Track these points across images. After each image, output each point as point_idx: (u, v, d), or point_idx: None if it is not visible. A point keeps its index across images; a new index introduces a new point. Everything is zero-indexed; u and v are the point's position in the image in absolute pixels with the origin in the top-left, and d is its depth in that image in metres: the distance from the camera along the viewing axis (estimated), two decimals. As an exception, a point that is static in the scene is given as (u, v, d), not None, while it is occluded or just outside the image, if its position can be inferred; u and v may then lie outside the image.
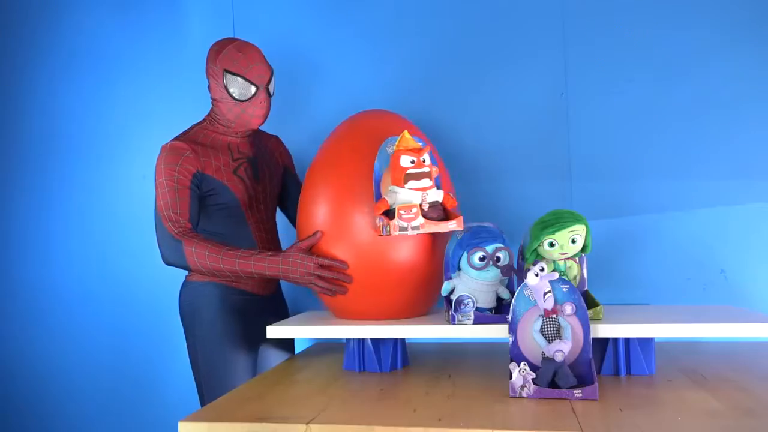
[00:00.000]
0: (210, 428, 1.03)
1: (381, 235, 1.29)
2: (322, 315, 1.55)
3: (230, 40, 1.55)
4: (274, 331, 1.38)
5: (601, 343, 1.28)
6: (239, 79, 1.51)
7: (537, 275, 1.11)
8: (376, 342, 1.39)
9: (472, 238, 1.27)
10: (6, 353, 2.21)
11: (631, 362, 1.26)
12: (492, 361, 1.44)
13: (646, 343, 1.26)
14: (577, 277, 1.27)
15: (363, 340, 1.40)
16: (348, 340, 1.41)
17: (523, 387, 1.09)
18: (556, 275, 1.13)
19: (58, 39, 2.18)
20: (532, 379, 1.09)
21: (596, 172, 1.78)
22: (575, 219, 1.22)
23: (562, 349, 1.09)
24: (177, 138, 1.54)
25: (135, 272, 2.05)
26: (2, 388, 2.22)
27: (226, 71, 1.51)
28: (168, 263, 1.46)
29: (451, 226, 1.25)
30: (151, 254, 1.92)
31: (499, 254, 1.27)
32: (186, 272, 1.66)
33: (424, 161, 1.26)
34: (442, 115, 1.84)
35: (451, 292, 1.29)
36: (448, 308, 1.30)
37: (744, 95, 1.71)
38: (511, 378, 1.10)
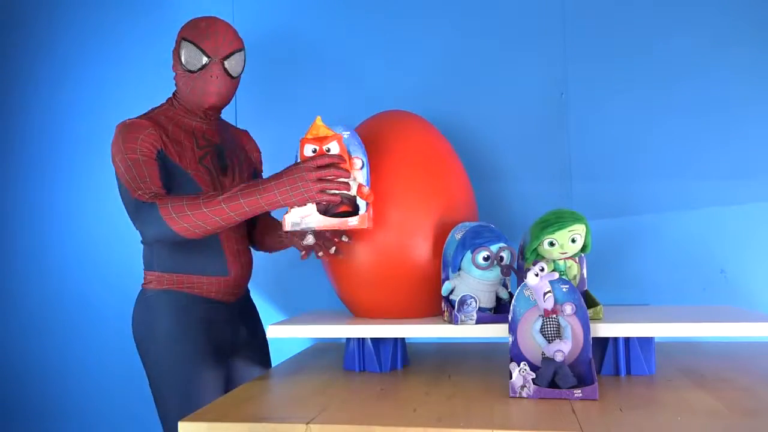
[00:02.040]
0: (210, 428, 1.02)
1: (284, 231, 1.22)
2: (322, 315, 1.55)
3: (196, 18, 1.44)
4: (274, 331, 1.38)
5: (601, 343, 1.28)
6: (192, 46, 1.38)
7: (537, 275, 1.11)
8: (376, 342, 1.39)
9: (476, 238, 1.27)
10: (6, 354, 2.21)
11: (631, 362, 1.26)
12: (492, 361, 1.44)
13: (646, 342, 1.26)
14: (577, 277, 1.27)
15: (363, 339, 1.40)
16: (348, 339, 1.41)
17: (523, 387, 1.09)
18: (556, 275, 1.13)
19: (59, 39, 2.18)
20: (532, 379, 1.09)
21: (596, 172, 1.78)
22: (575, 219, 1.22)
23: (562, 349, 1.09)
24: (139, 117, 1.39)
25: (135, 273, 2.05)
26: (2, 389, 2.22)
27: (183, 38, 1.39)
28: (150, 239, 1.26)
29: (352, 222, 1.16)
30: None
31: (502, 254, 1.26)
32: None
33: (328, 150, 1.18)
34: (442, 114, 1.84)
35: (451, 292, 1.29)
36: (449, 308, 1.30)
37: (744, 95, 1.71)
38: (511, 378, 1.10)
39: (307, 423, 0.99)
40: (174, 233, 1.23)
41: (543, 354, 1.11)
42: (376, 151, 1.36)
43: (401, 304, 1.38)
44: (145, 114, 1.43)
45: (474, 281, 1.27)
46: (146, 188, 1.27)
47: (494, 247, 1.26)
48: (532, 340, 1.13)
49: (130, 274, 2.08)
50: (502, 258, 1.27)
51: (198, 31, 1.38)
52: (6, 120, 2.22)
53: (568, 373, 1.08)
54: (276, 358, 1.73)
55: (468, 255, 1.27)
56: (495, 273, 1.27)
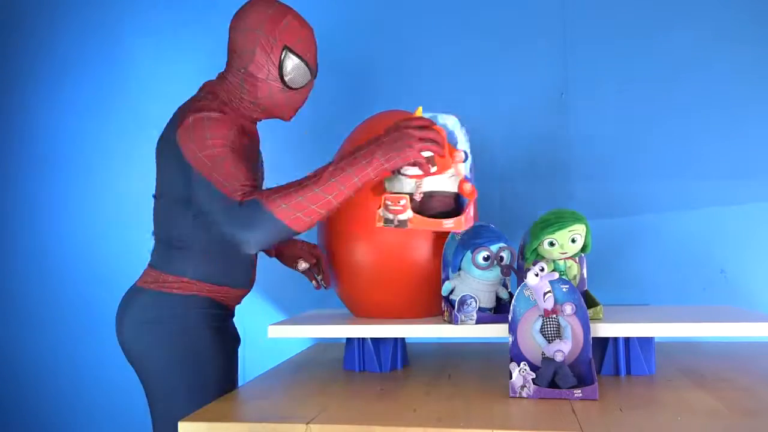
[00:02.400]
0: (210, 428, 1.02)
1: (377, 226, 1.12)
2: (322, 315, 1.55)
3: (284, 7, 1.24)
4: (274, 331, 1.37)
5: (601, 343, 1.28)
6: (300, 62, 1.23)
7: (537, 275, 1.11)
8: (376, 342, 1.39)
9: (475, 238, 1.27)
10: (5, 354, 2.21)
11: (631, 362, 1.26)
12: (492, 361, 1.44)
13: (646, 342, 1.26)
14: (577, 277, 1.27)
15: (363, 339, 1.39)
16: (348, 339, 1.41)
17: (523, 387, 1.09)
18: (556, 275, 1.13)
19: (59, 39, 2.18)
20: (532, 379, 1.09)
21: (596, 172, 1.78)
22: (575, 219, 1.22)
23: (562, 349, 1.09)
24: (210, 108, 1.18)
25: (134, 273, 2.05)
26: (2, 389, 2.22)
27: (287, 49, 1.21)
28: (256, 244, 1.10)
29: (448, 225, 1.07)
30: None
31: (503, 254, 1.26)
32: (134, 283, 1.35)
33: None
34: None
35: (451, 292, 1.29)
36: (448, 308, 1.30)
37: (744, 95, 1.71)
38: (511, 378, 1.10)
39: (307, 423, 0.99)
40: (286, 229, 1.08)
41: (543, 354, 1.11)
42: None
43: (401, 304, 1.38)
44: (210, 102, 1.22)
45: (474, 281, 1.26)
46: (239, 187, 1.11)
47: (494, 247, 1.26)
48: (532, 340, 1.13)
49: (129, 274, 2.07)
50: (502, 258, 1.27)
51: (304, 43, 1.24)
52: (6, 120, 2.22)
53: (568, 373, 1.08)
54: (276, 358, 1.73)
55: (468, 255, 1.27)
56: (495, 273, 1.27)
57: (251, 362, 1.92)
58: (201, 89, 1.30)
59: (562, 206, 1.72)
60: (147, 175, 2.04)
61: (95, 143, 2.13)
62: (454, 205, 1.10)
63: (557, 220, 1.22)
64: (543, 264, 1.12)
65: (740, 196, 1.70)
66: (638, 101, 1.76)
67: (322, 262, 1.50)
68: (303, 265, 1.47)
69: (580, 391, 1.06)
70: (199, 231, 1.24)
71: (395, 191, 1.08)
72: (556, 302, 1.12)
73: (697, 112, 1.73)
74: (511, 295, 1.26)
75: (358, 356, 1.40)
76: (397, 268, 1.34)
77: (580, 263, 1.27)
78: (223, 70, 1.31)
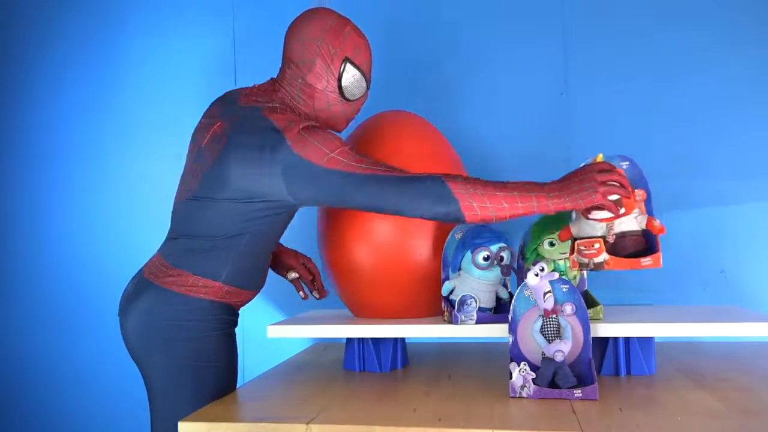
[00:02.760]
0: (210, 428, 1.02)
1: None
2: (322, 315, 1.55)
3: (342, 18, 1.26)
4: (274, 331, 1.38)
5: (601, 343, 1.28)
6: (358, 74, 1.24)
7: (537, 275, 1.11)
8: (376, 342, 1.39)
9: (476, 238, 1.27)
10: (4, 354, 2.21)
11: (631, 362, 1.26)
12: (492, 361, 1.44)
13: (646, 342, 1.26)
14: (577, 277, 1.27)
15: (363, 339, 1.40)
16: (348, 339, 1.41)
17: (523, 387, 1.09)
18: (556, 275, 1.13)
19: (59, 39, 2.17)
20: (532, 379, 1.09)
21: (596, 172, 1.78)
22: (575, 219, 1.22)
23: (562, 349, 1.09)
24: (298, 117, 1.20)
25: (133, 272, 2.05)
26: (2, 389, 2.22)
27: (348, 60, 1.23)
28: (425, 213, 1.11)
29: (646, 263, 1.08)
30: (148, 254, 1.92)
31: (503, 254, 1.27)
32: (143, 275, 1.32)
33: None
34: (442, 114, 1.84)
35: (451, 292, 1.30)
36: (449, 308, 1.30)
37: (744, 96, 1.71)
38: (511, 378, 1.10)
39: (307, 423, 0.99)
40: (457, 211, 1.09)
41: (543, 354, 1.11)
42: (376, 151, 1.36)
43: (401, 304, 1.38)
44: (288, 113, 1.22)
45: (474, 281, 1.27)
46: (394, 168, 1.13)
47: (494, 247, 1.26)
48: (532, 340, 1.13)
49: (129, 274, 2.07)
50: (502, 258, 1.27)
51: (362, 54, 1.25)
52: (6, 120, 2.22)
53: (568, 373, 1.08)
54: (276, 358, 1.73)
55: (468, 255, 1.27)
56: (495, 273, 1.27)
57: (251, 362, 1.92)
58: (265, 95, 1.27)
59: (562, 206, 1.72)
60: (146, 174, 2.06)
61: (95, 143, 2.13)
62: (645, 243, 1.13)
63: (560, 221, 1.23)
64: (543, 264, 1.12)
65: (740, 196, 1.70)
66: (638, 101, 1.76)
67: (318, 279, 1.52)
68: (293, 275, 1.49)
69: (580, 391, 1.06)
70: (246, 234, 1.24)
71: (586, 236, 1.13)
72: (556, 302, 1.12)
73: (697, 111, 1.73)
74: (511, 295, 1.26)
75: (358, 356, 1.40)
76: (396, 268, 1.34)
77: (580, 263, 1.27)
78: (275, 77, 1.31)
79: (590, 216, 1.11)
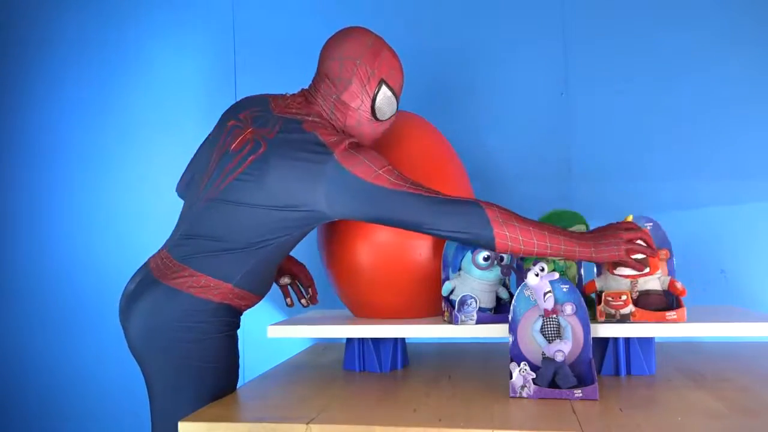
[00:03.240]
0: (210, 428, 1.02)
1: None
2: (322, 315, 1.55)
3: (379, 39, 1.29)
4: (274, 331, 1.38)
5: (601, 343, 1.28)
6: (392, 96, 1.29)
7: (537, 275, 1.11)
8: (376, 342, 1.39)
9: None
10: (5, 354, 2.21)
11: (631, 362, 1.26)
12: (492, 361, 1.44)
13: (646, 343, 1.26)
14: (575, 277, 1.28)
15: (363, 339, 1.40)
16: (348, 339, 1.41)
17: (523, 387, 1.09)
18: (557, 275, 1.13)
19: (59, 39, 2.17)
20: (532, 379, 1.09)
21: (596, 172, 1.78)
22: (577, 219, 1.23)
23: (562, 349, 1.09)
24: (344, 136, 1.23)
25: (133, 271, 2.05)
26: (1, 389, 2.22)
27: (384, 82, 1.27)
28: (456, 233, 1.15)
29: (671, 316, 1.15)
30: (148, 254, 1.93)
31: (502, 254, 1.27)
32: (155, 282, 1.28)
33: None
34: (442, 114, 1.84)
35: (451, 292, 1.30)
36: (449, 308, 1.30)
37: (744, 96, 1.71)
38: (511, 378, 1.10)
39: (307, 423, 0.99)
40: (491, 238, 1.14)
41: (543, 354, 1.11)
42: (377, 149, 1.36)
43: (401, 304, 1.38)
44: (337, 132, 1.26)
45: (474, 281, 1.27)
46: (433, 190, 1.18)
47: None
48: (533, 340, 1.13)
49: (129, 274, 2.07)
50: (502, 258, 1.27)
51: (396, 77, 1.30)
52: (6, 119, 2.22)
53: (569, 373, 1.08)
54: (276, 358, 1.73)
55: (468, 255, 1.28)
56: (495, 273, 1.27)
57: (251, 362, 1.92)
58: (301, 107, 1.29)
59: (562, 206, 1.73)
60: (146, 175, 2.06)
61: (95, 143, 2.13)
62: (666, 302, 1.20)
63: (558, 222, 1.23)
64: (543, 264, 1.12)
65: (740, 196, 1.70)
66: (638, 101, 1.76)
67: (314, 286, 1.52)
68: (285, 280, 1.49)
69: (580, 391, 1.06)
70: (272, 241, 1.25)
71: (610, 290, 1.20)
72: (556, 302, 1.12)
73: (698, 112, 1.73)
74: (511, 295, 1.26)
75: (358, 356, 1.40)
76: (396, 268, 1.34)
77: (578, 263, 1.27)
78: (307, 88, 1.33)
79: (616, 272, 1.19)
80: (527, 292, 1.14)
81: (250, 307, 1.35)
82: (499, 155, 1.83)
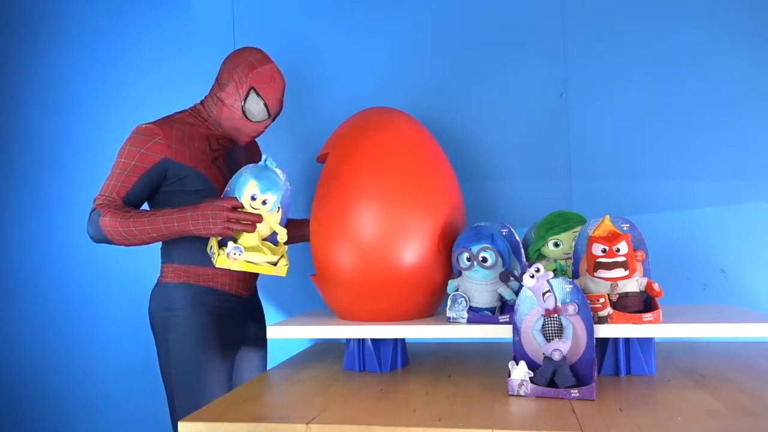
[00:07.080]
0: (210, 428, 1.02)
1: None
2: (322, 315, 1.55)
3: (264, 58, 1.53)
4: (274, 331, 1.38)
5: (602, 343, 1.28)
6: (261, 103, 1.51)
7: (533, 276, 1.11)
8: (376, 342, 1.39)
9: (461, 239, 1.29)
10: (6, 354, 2.21)
11: (631, 362, 1.26)
12: (492, 361, 1.44)
13: (646, 343, 1.26)
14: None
15: (363, 340, 1.40)
16: (348, 340, 1.41)
17: (520, 385, 1.09)
18: (551, 275, 1.13)
19: (59, 39, 2.17)
20: (531, 378, 1.09)
21: (596, 172, 1.78)
22: (579, 220, 1.24)
23: (560, 348, 1.09)
24: (154, 122, 1.50)
25: (134, 272, 2.05)
26: (3, 389, 2.22)
27: (254, 89, 1.50)
28: (93, 239, 1.42)
29: (647, 318, 1.17)
30: (149, 254, 1.92)
31: (484, 254, 1.26)
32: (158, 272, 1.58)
33: (617, 251, 1.18)
34: (442, 114, 1.84)
35: (456, 291, 1.31)
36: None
37: (743, 96, 1.71)
38: (509, 376, 1.10)
39: (307, 423, 0.99)
40: (105, 237, 1.39)
41: (544, 353, 1.11)
42: (362, 141, 1.39)
43: (394, 309, 1.38)
44: (164, 117, 1.54)
45: (467, 280, 1.28)
46: (108, 195, 1.42)
47: (475, 248, 1.27)
48: (533, 340, 1.13)
49: (129, 274, 2.08)
50: (485, 258, 1.27)
51: (268, 89, 1.52)
52: (6, 119, 2.22)
53: (568, 373, 1.09)
54: (276, 358, 1.73)
55: (459, 256, 1.29)
56: (482, 273, 1.27)
57: (251, 362, 1.92)
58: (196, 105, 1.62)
59: (562, 206, 1.73)
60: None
61: (96, 143, 2.13)
62: (643, 303, 1.22)
63: (563, 222, 1.24)
64: (538, 265, 1.12)
65: (740, 196, 1.70)
66: (638, 101, 1.76)
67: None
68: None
69: (576, 390, 1.06)
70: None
71: (590, 293, 1.21)
72: (557, 302, 1.12)
73: (698, 112, 1.73)
74: (516, 296, 1.26)
75: (358, 356, 1.40)
76: (382, 276, 1.34)
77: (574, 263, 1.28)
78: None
79: (596, 274, 1.20)
80: (530, 293, 1.14)
81: (210, 281, 1.52)
82: (499, 155, 1.83)
